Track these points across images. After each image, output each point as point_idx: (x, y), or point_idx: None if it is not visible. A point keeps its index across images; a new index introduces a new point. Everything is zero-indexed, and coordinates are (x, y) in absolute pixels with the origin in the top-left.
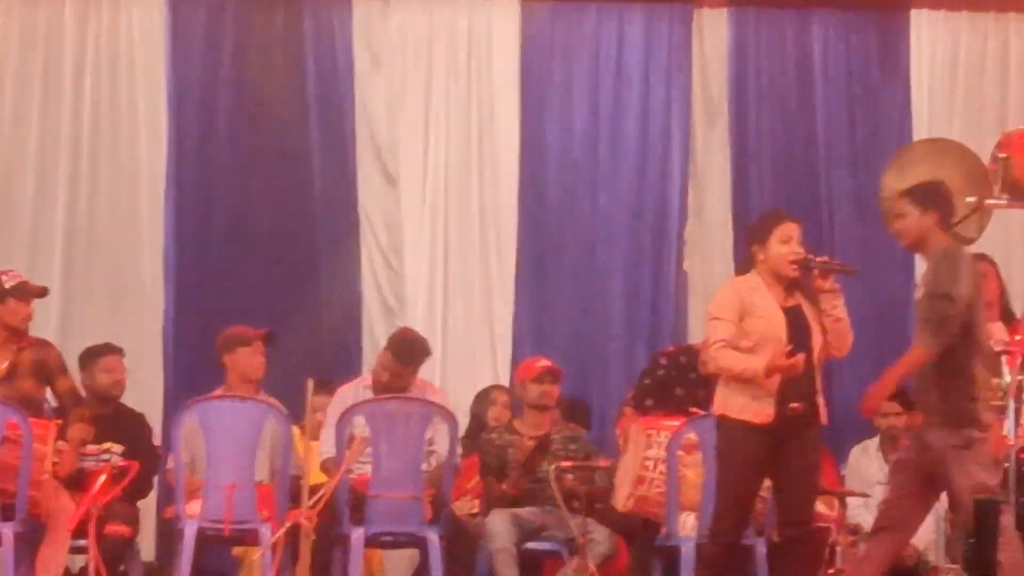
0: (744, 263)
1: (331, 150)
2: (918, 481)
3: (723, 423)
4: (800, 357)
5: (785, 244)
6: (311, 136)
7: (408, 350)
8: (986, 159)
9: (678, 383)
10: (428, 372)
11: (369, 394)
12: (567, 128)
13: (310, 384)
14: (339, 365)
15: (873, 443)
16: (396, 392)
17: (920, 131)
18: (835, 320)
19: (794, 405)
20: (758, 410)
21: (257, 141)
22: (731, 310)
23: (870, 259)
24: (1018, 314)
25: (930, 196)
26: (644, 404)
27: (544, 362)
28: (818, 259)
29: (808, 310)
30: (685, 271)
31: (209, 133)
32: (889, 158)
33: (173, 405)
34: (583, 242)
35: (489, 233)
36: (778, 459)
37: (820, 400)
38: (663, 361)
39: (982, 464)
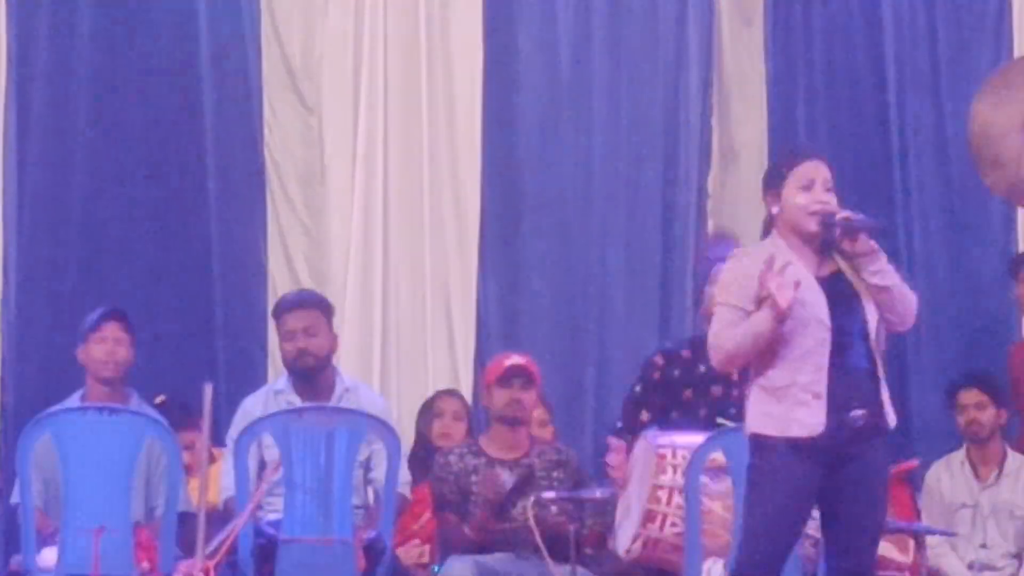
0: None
1: (226, 71)
2: None
3: (758, 442)
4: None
5: (806, 191)
6: (200, 57)
7: None
8: None
9: (684, 383)
10: (364, 373)
11: (284, 404)
12: (548, 38)
13: (208, 391)
14: (237, 366)
15: (957, 457)
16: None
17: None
18: (881, 290)
19: (857, 412)
20: (804, 420)
21: (124, 61)
22: (742, 291)
23: (955, 213)
24: None
25: None
26: (638, 421)
27: (514, 359)
28: (841, 215)
29: (852, 275)
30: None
31: (62, 54)
32: (983, 78)
33: (15, 421)
34: (571, 196)
35: (444, 184)
36: (830, 486)
37: (885, 398)
38: (659, 361)
39: None
